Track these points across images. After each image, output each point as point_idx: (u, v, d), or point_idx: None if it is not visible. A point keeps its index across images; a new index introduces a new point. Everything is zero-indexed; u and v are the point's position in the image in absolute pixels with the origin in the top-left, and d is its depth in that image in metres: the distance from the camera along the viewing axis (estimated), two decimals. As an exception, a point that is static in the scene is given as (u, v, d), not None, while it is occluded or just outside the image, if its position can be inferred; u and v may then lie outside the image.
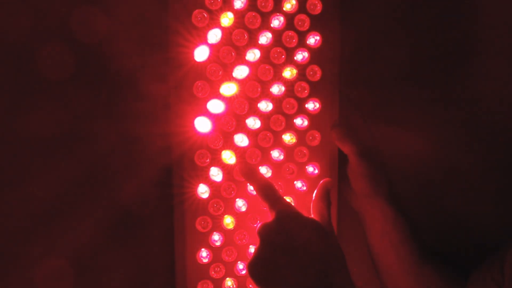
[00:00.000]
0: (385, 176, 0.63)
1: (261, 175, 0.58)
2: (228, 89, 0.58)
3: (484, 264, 0.61)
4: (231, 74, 0.58)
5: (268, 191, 0.56)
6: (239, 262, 0.61)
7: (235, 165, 0.60)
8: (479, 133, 0.71)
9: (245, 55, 0.58)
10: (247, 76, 0.59)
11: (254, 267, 0.51)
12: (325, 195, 0.60)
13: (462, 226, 0.72)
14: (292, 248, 0.51)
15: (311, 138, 0.62)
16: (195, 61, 0.57)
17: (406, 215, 0.64)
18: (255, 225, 0.61)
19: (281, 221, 0.53)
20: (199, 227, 0.60)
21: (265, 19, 0.59)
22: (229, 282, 0.61)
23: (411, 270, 0.63)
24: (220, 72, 0.58)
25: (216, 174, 0.60)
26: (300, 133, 0.62)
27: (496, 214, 0.68)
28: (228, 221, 0.61)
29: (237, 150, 0.60)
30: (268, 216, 0.56)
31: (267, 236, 0.52)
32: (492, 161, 0.72)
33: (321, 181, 0.62)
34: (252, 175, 0.58)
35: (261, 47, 0.59)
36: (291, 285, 0.50)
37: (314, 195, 0.61)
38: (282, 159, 0.62)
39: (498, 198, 0.72)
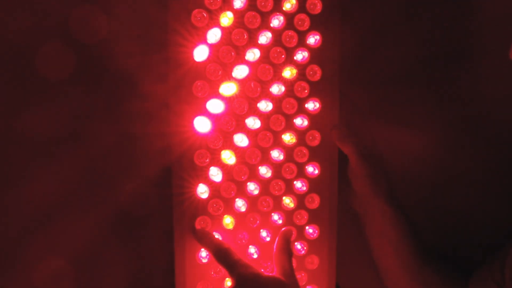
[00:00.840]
0: (385, 176, 0.63)
1: (216, 240, 0.58)
2: (228, 89, 0.58)
3: (485, 264, 0.61)
4: (231, 74, 0.58)
5: (224, 256, 0.56)
6: (238, 262, 0.61)
7: (235, 165, 0.60)
8: (479, 133, 0.71)
9: (244, 55, 0.58)
10: (247, 76, 0.59)
11: None
12: (286, 246, 0.60)
13: (463, 225, 0.72)
14: None
15: (311, 138, 0.62)
16: (195, 61, 0.57)
17: (406, 215, 0.64)
18: (255, 226, 0.61)
19: (241, 285, 0.53)
20: (198, 227, 0.60)
21: (265, 18, 0.59)
22: (228, 282, 0.61)
23: (411, 270, 0.63)
24: (220, 72, 0.58)
25: (215, 174, 0.60)
26: (300, 133, 0.62)
27: (496, 214, 0.67)
28: (228, 221, 0.60)
29: (237, 150, 0.60)
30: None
31: None
32: (492, 161, 0.71)
33: (281, 231, 0.62)
34: (207, 240, 0.58)
35: (261, 47, 0.59)
36: None
37: (275, 246, 0.61)
38: (282, 159, 0.62)
39: (498, 197, 0.71)
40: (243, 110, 0.59)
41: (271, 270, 0.62)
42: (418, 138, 0.70)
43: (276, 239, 0.61)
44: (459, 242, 0.72)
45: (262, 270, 0.62)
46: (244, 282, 0.53)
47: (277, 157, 0.61)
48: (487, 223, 0.69)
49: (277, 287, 0.54)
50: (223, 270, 0.60)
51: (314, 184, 0.63)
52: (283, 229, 0.62)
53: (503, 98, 0.70)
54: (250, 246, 0.61)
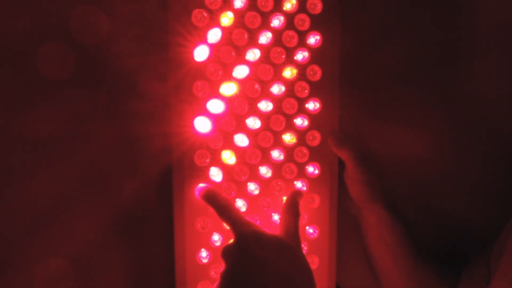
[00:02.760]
0: (380, 180, 0.63)
1: (221, 197, 0.57)
2: (228, 89, 0.58)
3: (473, 261, 0.62)
4: (231, 74, 0.58)
5: (228, 213, 0.55)
6: (239, 262, 0.61)
7: (235, 165, 0.60)
8: (478, 133, 0.71)
9: (245, 55, 0.58)
10: (247, 76, 0.59)
11: None
12: (293, 207, 0.59)
13: (461, 225, 0.72)
14: (255, 269, 0.50)
15: (311, 138, 0.62)
16: (195, 61, 0.57)
17: (402, 218, 0.64)
18: None
19: (242, 242, 0.52)
20: (199, 227, 0.60)
21: (265, 18, 0.59)
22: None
23: (408, 272, 0.63)
24: (220, 72, 0.58)
25: (216, 174, 0.60)
26: (300, 133, 0.62)
27: (493, 215, 0.67)
28: (228, 221, 0.60)
29: (237, 150, 0.60)
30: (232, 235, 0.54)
31: (230, 259, 0.52)
32: (491, 161, 0.72)
33: (291, 192, 0.61)
34: (212, 197, 0.57)
35: (261, 47, 0.59)
36: None
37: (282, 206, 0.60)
38: (282, 159, 0.62)
39: (497, 197, 0.71)
40: (243, 110, 0.59)
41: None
42: (418, 138, 0.70)
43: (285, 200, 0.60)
44: (457, 242, 0.72)
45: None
46: (245, 239, 0.52)
47: (277, 157, 0.61)
48: (484, 224, 0.69)
49: (279, 247, 0.53)
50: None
51: (314, 184, 0.63)
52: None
53: (503, 98, 0.70)
54: (250, 246, 0.61)
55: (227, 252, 0.52)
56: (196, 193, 0.58)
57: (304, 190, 0.63)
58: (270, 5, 0.58)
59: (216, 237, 0.60)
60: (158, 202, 0.63)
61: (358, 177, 0.62)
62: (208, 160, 0.59)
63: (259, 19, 0.58)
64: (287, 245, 0.54)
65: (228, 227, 0.55)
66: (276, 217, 0.62)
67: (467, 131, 0.71)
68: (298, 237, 0.56)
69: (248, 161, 0.60)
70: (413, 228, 0.65)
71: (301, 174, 0.63)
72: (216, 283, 0.51)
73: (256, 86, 0.59)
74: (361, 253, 0.67)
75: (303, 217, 0.63)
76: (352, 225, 0.67)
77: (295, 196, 0.60)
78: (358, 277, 0.71)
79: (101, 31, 0.59)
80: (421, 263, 0.63)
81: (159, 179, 0.62)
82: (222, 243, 0.60)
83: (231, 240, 0.53)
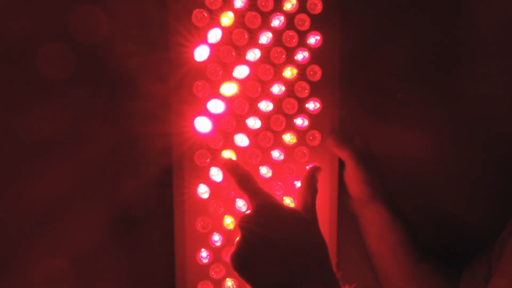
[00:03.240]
0: (381, 180, 0.63)
1: (241, 166, 0.57)
2: (228, 89, 0.58)
3: (474, 260, 0.62)
4: (231, 74, 0.58)
5: (247, 183, 0.55)
6: (239, 262, 0.61)
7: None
8: (477, 134, 0.71)
9: (245, 54, 0.58)
10: (247, 76, 0.59)
11: (235, 259, 0.51)
12: (311, 182, 0.59)
13: (460, 226, 0.72)
14: (271, 240, 0.50)
15: (311, 138, 0.62)
16: (195, 60, 0.57)
17: (403, 217, 0.64)
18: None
19: (259, 213, 0.52)
20: (199, 228, 0.60)
21: (265, 18, 0.59)
22: (229, 282, 0.61)
23: (409, 271, 0.63)
24: (220, 72, 0.58)
25: (216, 174, 0.60)
26: (300, 133, 0.62)
27: (494, 215, 0.67)
28: (228, 221, 0.60)
29: (237, 150, 0.60)
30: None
31: (246, 229, 0.52)
32: (491, 161, 0.72)
33: (310, 168, 0.61)
34: (232, 167, 0.57)
35: (261, 47, 0.59)
36: (271, 277, 0.49)
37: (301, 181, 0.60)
38: (283, 159, 0.62)
39: (496, 198, 0.72)
40: (243, 110, 0.59)
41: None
42: (418, 138, 0.70)
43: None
44: (457, 242, 0.72)
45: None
46: (262, 210, 0.52)
47: (277, 157, 0.61)
48: (486, 223, 0.70)
49: (296, 220, 0.53)
50: (223, 270, 0.60)
51: (314, 184, 0.63)
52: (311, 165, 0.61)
53: (503, 98, 0.70)
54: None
55: (244, 222, 0.52)
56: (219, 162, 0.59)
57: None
58: (270, 5, 0.58)
59: (216, 237, 0.60)
60: (158, 202, 0.63)
61: (358, 177, 0.62)
62: (208, 160, 0.59)
63: (259, 19, 0.58)
64: (304, 219, 0.54)
65: (247, 198, 0.55)
66: None
67: (467, 131, 0.71)
68: (315, 212, 0.56)
69: (248, 161, 0.60)
70: (414, 227, 0.65)
71: (302, 174, 0.62)
72: (231, 252, 0.51)
73: (256, 85, 0.59)
74: (361, 252, 0.67)
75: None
76: (352, 225, 0.67)
77: (314, 171, 0.60)
78: (358, 277, 0.71)
79: (101, 31, 0.59)
80: (421, 262, 0.64)
81: (159, 179, 0.62)
82: (222, 243, 0.60)
83: (249, 211, 0.53)
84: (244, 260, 0.50)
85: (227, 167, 0.57)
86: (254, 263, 0.50)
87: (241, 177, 0.56)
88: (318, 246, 0.53)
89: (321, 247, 0.53)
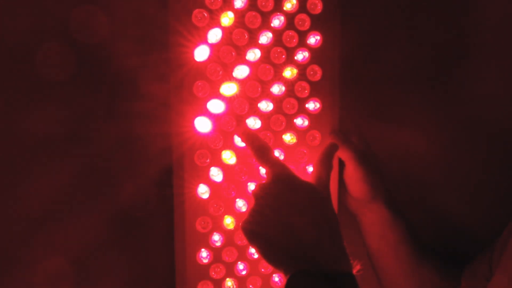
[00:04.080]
0: (381, 179, 0.63)
1: (260, 138, 0.57)
2: (228, 89, 0.58)
3: (475, 259, 0.62)
4: (231, 74, 0.58)
5: (264, 153, 0.55)
6: (239, 262, 0.61)
7: (235, 165, 0.60)
8: (478, 134, 0.71)
9: (245, 55, 0.58)
10: (248, 76, 0.59)
11: (246, 227, 0.51)
12: (327, 159, 0.59)
13: (460, 226, 0.72)
14: (284, 211, 0.50)
15: (311, 138, 0.62)
16: (195, 61, 0.57)
17: (404, 216, 0.64)
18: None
19: (275, 183, 0.53)
20: (199, 228, 0.60)
21: (266, 18, 0.59)
22: (229, 282, 0.61)
23: (409, 270, 0.63)
24: (220, 72, 0.58)
25: (216, 174, 0.60)
26: (300, 133, 0.62)
27: (494, 215, 0.68)
28: (228, 221, 0.60)
29: (238, 150, 0.60)
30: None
31: (261, 198, 0.52)
32: (491, 161, 0.72)
33: (327, 144, 0.61)
34: (249, 137, 0.57)
35: (261, 47, 0.59)
36: (282, 248, 0.49)
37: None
38: (283, 159, 0.62)
39: (496, 198, 0.72)
40: (243, 110, 0.59)
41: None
42: (418, 138, 0.70)
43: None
44: (457, 242, 0.72)
45: (262, 270, 0.62)
46: (278, 180, 0.53)
47: (277, 157, 0.61)
48: (486, 223, 0.70)
49: (311, 193, 0.53)
50: (226, 267, 0.60)
51: (314, 184, 0.63)
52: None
53: (503, 98, 0.70)
54: (250, 246, 0.61)
55: (260, 190, 0.53)
56: (237, 132, 0.59)
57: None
58: (271, 5, 0.58)
59: (216, 237, 0.60)
60: (158, 202, 0.63)
61: (359, 176, 0.62)
62: (208, 160, 0.59)
63: (259, 19, 0.58)
64: (319, 193, 0.54)
65: (264, 169, 0.55)
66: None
67: (467, 131, 0.71)
68: (329, 188, 0.56)
69: (249, 161, 0.60)
70: (414, 226, 0.65)
71: (302, 174, 0.62)
72: (244, 219, 0.52)
73: (256, 85, 0.59)
74: (361, 252, 0.67)
75: None
76: (352, 224, 0.67)
77: (331, 148, 0.60)
78: (358, 277, 0.71)
79: (101, 31, 0.59)
80: (422, 261, 0.64)
81: (159, 179, 0.62)
82: (222, 243, 0.60)
83: (264, 181, 0.54)
84: (256, 228, 0.51)
85: (245, 137, 0.58)
86: (265, 232, 0.50)
87: (259, 148, 0.56)
88: (330, 221, 0.52)
89: (334, 222, 0.53)
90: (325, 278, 0.46)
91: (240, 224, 0.52)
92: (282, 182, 0.53)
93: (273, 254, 0.50)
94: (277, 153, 0.61)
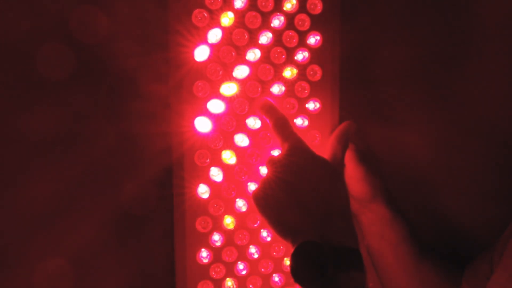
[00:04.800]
0: (381, 179, 0.63)
1: (277, 110, 0.57)
2: (229, 89, 0.58)
3: (476, 259, 0.62)
4: (231, 74, 0.58)
5: (282, 126, 0.56)
6: (239, 262, 0.61)
7: (235, 165, 0.60)
8: (478, 133, 0.71)
9: (245, 55, 0.58)
10: (248, 76, 0.59)
11: (257, 197, 0.51)
12: (343, 137, 0.58)
13: (461, 226, 0.72)
14: (298, 183, 0.51)
15: (311, 138, 0.62)
16: (195, 61, 0.57)
17: (404, 216, 0.64)
18: (255, 226, 0.61)
19: (290, 156, 0.53)
20: (199, 227, 0.60)
21: (266, 18, 0.59)
22: (229, 282, 0.61)
23: (410, 270, 0.63)
24: (221, 72, 0.58)
25: (216, 174, 0.60)
26: (300, 133, 0.62)
27: (494, 215, 0.68)
28: (228, 221, 0.60)
29: (238, 150, 0.60)
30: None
31: (275, 167, 0.52)
32: (491, 161, 0.72)
33: (344, 122, 0.60)
34: (269, 109, 0.57)
35: (261, 47, 0.59)
36: (292, 220, 0.50)
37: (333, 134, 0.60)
38: (283, 159, 0.62)
39: (496, 198, 0.72)
40: (243, 110, 0.59)
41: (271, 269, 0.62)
42: (418, 138, 0.70)
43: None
44: (457, 242, 0.72)
45: (262, 270, 0.62)
46: (293, 153, 0.53)
47: (277, 157, 0.61)
48: (486, 223, 0.70)
49: (324, 168, 0.53)
50: (224, 270, 0.60)
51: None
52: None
53: (503, 98, 0.70)
54: (250, 246, 0.61)
55: (275, 161, 0.53)
56: (256, 103, 0.59)
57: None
58: (270, 5, 0.58)
59: (216, 237, 0.60)
60: (158, 202, 0.63)
61: (359, 176, 0.62)
62: (208, 160, 0.59)
63: (259, 19, 0.58)
64: (332, 169, 0.54)
65: (280, 141, 0.55)
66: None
67: (468, 131, 0.71)
68: (343, 166, 0.57)
69: (248, 161, 0.60)
70: (414, 225, 0.65)
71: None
72: (256, 188, 0.52)
73: (256, 85, 0.59)
74: (362, 251, 0.67)
75: None
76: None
77: (348, 126, 0.60)
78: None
79: (101, 31, 0.59)
80: (423, 260, 0.64)
81: (159, 179, 0.62)
82: (222, 243, 0.60)
83: (280, 152, 0.54)
84: (267, 199, 0.51)
85: (263, 108, 0.58)
86: (276, 203, 0.50)
87: (276, 120, 0.56)
88: (342, 198, 0.53)
89: (345, 200, 0.53)
90: (331, 250, 0.46)
91: (252, 193, 0.52)
92: (298, 155, 0.53)
93: (282, 225, 0.50)
94: (277, 153, 0.61)
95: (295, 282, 0.47)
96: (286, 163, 0.52)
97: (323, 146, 0.62)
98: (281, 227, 0.50)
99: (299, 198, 0.50)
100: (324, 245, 0.47)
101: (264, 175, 0.53)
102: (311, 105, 0.62)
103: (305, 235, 0.48)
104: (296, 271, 0.47)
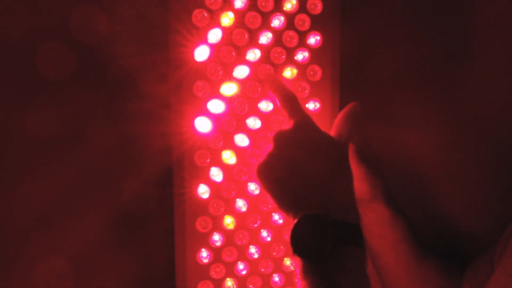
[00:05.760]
0: (382, 179, 0.63)
1: (285, 86, 0.57)
2: (229, 89, 0.58)
3: (477, 259, 0.62)
4: (232, 74, 0.58)
5: (289, 101, 0.56)
6: (239, 262, 0.61)
7: (235, 165, 0.60)
8: (478, 133, 0.71)
9: (245, 55, 0.58)
10: (248, 76, 0.59)
11: (261, 168, 0.51)
12: (349, 117, 0.58)
13: (461, 227, 0.72)
14: (303, 158, 0.51)
15: (311, 138, 0.62)
16: (195, 61, 0.57)
17: (404, 216, 0.64)
18: (255, 226, 0.61)
19: (297, 130, 0.53)
20: (199, 227, 0.60)
21: (266, 19, 0.59)
22: (229, 282, 0.61)
23: (410, 269, 0.63)
24: (221, 72, 0.58)
25: (216, 174, 0.60)
26: (300, 133, 0.62)
27: (495, 215, 0.68)
28: (229, 221, 0.60)
29: (238, 150, 0.60)
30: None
31: (280, 142, 0.52)
32: (492, 162, 0.72)
33: (351, 103, 0.60)
34: (276, 85, 0.57)
35: (261, 47, 0.59)
36: (293, 194, 0.50)
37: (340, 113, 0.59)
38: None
39: (497, 198, 0.72)
40: (243, 110, 0.59)
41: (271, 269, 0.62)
42: (418, 138, 0.70)
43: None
44: (457, 242, 0.72)
45: (262, 270, 0.62)
46: (300, 128, 0.53)
47: (277, 157, 0.61)
48: (487, 223, 0.70)
49: (330, 145, 0.53)
50: (225, 270, 0.60)
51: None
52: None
53: (503, 98, 0.70)
54: (250, 246, 0.61)
55: (281, 135, 0.53)
56: (263, 79, 0.59)
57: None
58: (271, 5, 0.58)
59: (216, 237, 0.60)
60: (158, 202, 0.63)
61: (359, 176, 0.62)
62: (208, 160, 0.59)
63: (259, 19, 0.58)
64: (338, 147, 0.54)
65: (287, 116, 0.55)
66: (276, 217, 0.62)
67: (467, 131, 0.71)
68: (347, 145, 0.56)
69: (248, 161, 0.60)
70: (414, 225, 0.65)
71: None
72: (260, 161, 0.52)
73: (256, 85, 0.59)
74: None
75: None
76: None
77: (354, 107, 0.59)
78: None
79: (101, 31, 0.59)
80: (423, 260, 0.63)
81: (159, 179, 0.62)
82: (222, 243, 0.60)
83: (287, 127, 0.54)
84: (270, 171, 0.51)
85: (270, 83, 0.58)
86: (280, 177, 0.50)
87: (285, 96, 0.56)
88: (345, 176, 0.53)
89: (348, 178, 0.53)
90: (333, 224, 0.46)
91: (256, 166, 0.51)
92: (304, 130, 0.53)
93: (286, 198, 0.50)
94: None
95: (294, 253, 0.47)
96: (292, 138, 0.52)
97: (328, 130, 0.62)
98: (284, 201, 0.50)
99: (302, 172, 0.50)
100: (326, 218, 0.46)
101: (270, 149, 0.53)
102: (311, 105, 0.62)
103: (308, 209, 0.48)
104: (297, 243, 0.47)
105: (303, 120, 0.54)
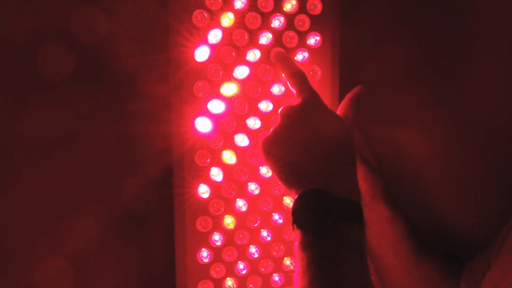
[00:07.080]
0: (381, 178, 0.64)
1: (295, 64, 0.57)
2: (229, 89, 0.58)
3: (475, 257, 0.62)
4: (232, 74, 0.58)
5: (298, 78, 0.56)
6: (239, 262, 0.61)
7: (235, 165, 0.60)
8: (478, 133, 0.71)
9: (245, 55, 0.58)
10: (248, 76, 0.59)
11: (266, 142, 0.51)
12: (355, 99, 0.58)
13: (460, 226, 0.73)
14: (308, 134, 0.51)
15: (311, 138, 0.62)
16: (196, 61, 0.57)
17: (404, 215, 0.65)
18: (255, 225, 0.61)
19: (304, 106, 0.53)
20: (199, 227, 0.60)
21: (266, 19, 0.59)
22: (229, 282, 0.61)
23: (409, 268, 0.64)
24: (221, 72, 0.58)
25: (216, 174, 0.60)
26: (300, 133, 0.62)
27: (494, 214, 0.68)
28: (229, 221, 0.61)
29: (238, 150, 0.60)
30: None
31: (287, 117, 0.52)
32: (491, 162, 0.72)
33: (358, 86, 0.60)
34: (285, 61, 0.57)
35: (261, 47, 0.59)
36: (298, 169, 0.50)
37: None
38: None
39: (496, 197, 0.72)
40: (243, 110, 0.59)
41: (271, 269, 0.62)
42: (418, 138, 0.70)
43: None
44: (457, 242, 0.72)
45: (262, 269, 0.62)
46: (307, 104, 0.53)
47: (277, 157, 0.61)
48: (486, 223, 0.70)
49: (337, 123, 0.53)
50: (225, 270, 0.60)
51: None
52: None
53: (502, 98, 0.70)
54: (250, 246, 0.62)
55: (288, 110, 0.53)
56: (271, 54, 0.59)
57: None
58: (270, 5, 0.58)
59: (216, 236, 0.60)
60: (158, 202, 0.63)
61: (359, 175, 0.62)
62: (208, 160, 0.59)
63: (259, 20, 0.58)
64: (344, 125, 0.54)
65: (296, 91, 0.55)
66: (276, 216, 0.62)
67: (467, 131, 0.71)
68: (353, 125, 0.56)
69: (249, 161, 0.60)
70: (414, 225, 0.65)
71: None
72: (265, 137, 0.52)
73: (256, 86, 0.59)
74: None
75: None
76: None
77: (360, 90, 0.59)
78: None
79: (101, 31, 0.59)
80: (422, 259, 0.64)
81: (159, 179, 0.62)
82: (222, 243, 0.60)
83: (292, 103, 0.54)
84: (276, 145, 0.51)
85: (279, 60, 0.58)
86: (284, 152, 0.50)
87: (293, 72, 0.56)
88: (350, 155, 0.52)
89: (352, 156, 0.53)
90: (335, 200, 0.46)
91: (261, 141, 0.52)
92: (311, 106, 0.53)
93: (289, 174, 0.50)
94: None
95: (294, 225, 0.47)
96: (299, 113, 0.52)
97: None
98: (287, 175, 0.50)
99: (307, 147, 0.50)
100: (328, 194, 0.46)
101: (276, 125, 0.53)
102: (311, 105, 0.62)
103: (310, 184, 0.48)
104: (298, 216, 0.47)
105: (311, 97, 0.54)
